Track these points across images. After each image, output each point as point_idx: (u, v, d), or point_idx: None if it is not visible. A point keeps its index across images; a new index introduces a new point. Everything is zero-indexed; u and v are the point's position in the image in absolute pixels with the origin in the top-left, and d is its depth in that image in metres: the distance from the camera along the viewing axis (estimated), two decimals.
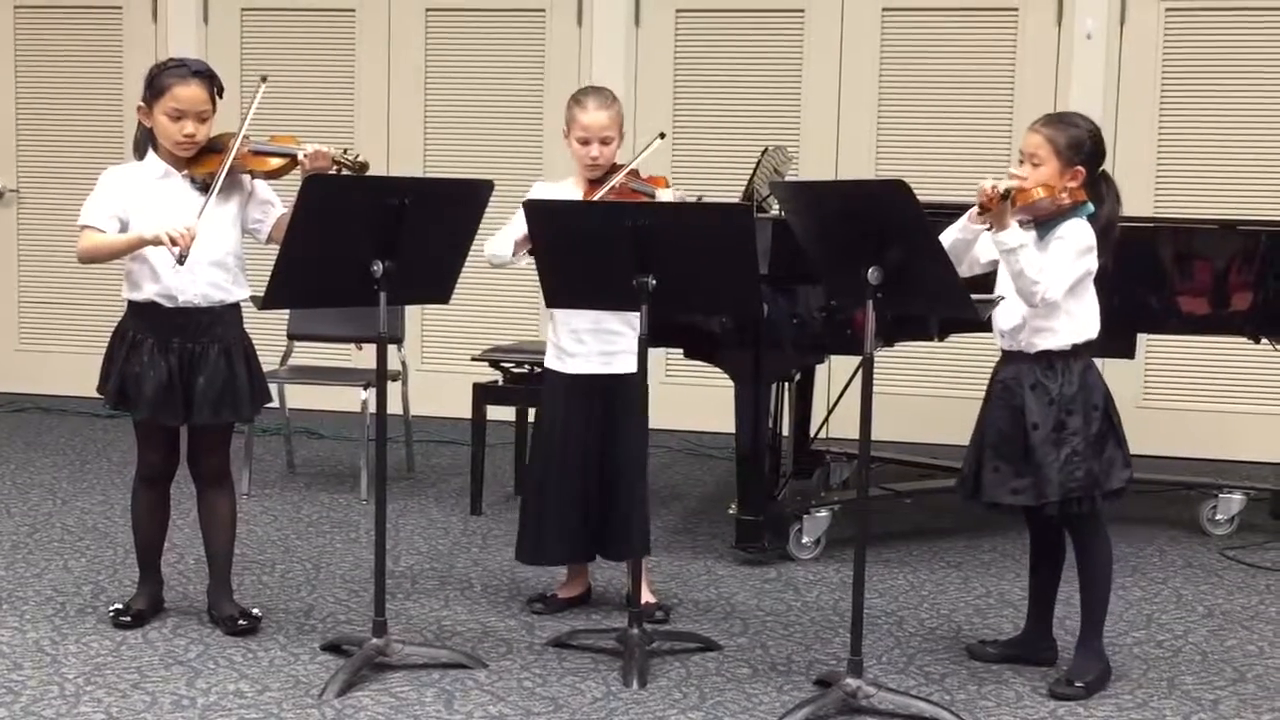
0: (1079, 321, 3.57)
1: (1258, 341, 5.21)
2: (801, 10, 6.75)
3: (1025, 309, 3.54)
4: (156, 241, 3.62)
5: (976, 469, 3.65)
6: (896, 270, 3.34)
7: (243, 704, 3.41)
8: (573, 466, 4.03)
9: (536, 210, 3.73)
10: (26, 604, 4.10)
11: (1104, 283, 3.62)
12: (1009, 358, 3.65)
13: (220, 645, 3.79)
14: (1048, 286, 3.46)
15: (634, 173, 4.01)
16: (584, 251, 3.67)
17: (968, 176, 6.01)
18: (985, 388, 3.72)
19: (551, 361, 4.11)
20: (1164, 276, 4.87)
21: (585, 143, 4.00)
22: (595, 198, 3.94)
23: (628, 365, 3.95)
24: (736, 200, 4.73)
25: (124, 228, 3.74)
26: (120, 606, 3.95)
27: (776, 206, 4.52)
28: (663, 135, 4.09)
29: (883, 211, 3.34)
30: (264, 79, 3.74)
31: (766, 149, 5.01)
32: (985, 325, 4.27)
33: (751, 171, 4.80)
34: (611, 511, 4.02)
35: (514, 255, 3.97)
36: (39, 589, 4.24)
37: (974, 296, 3.50)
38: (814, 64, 6.75)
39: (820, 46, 6.74)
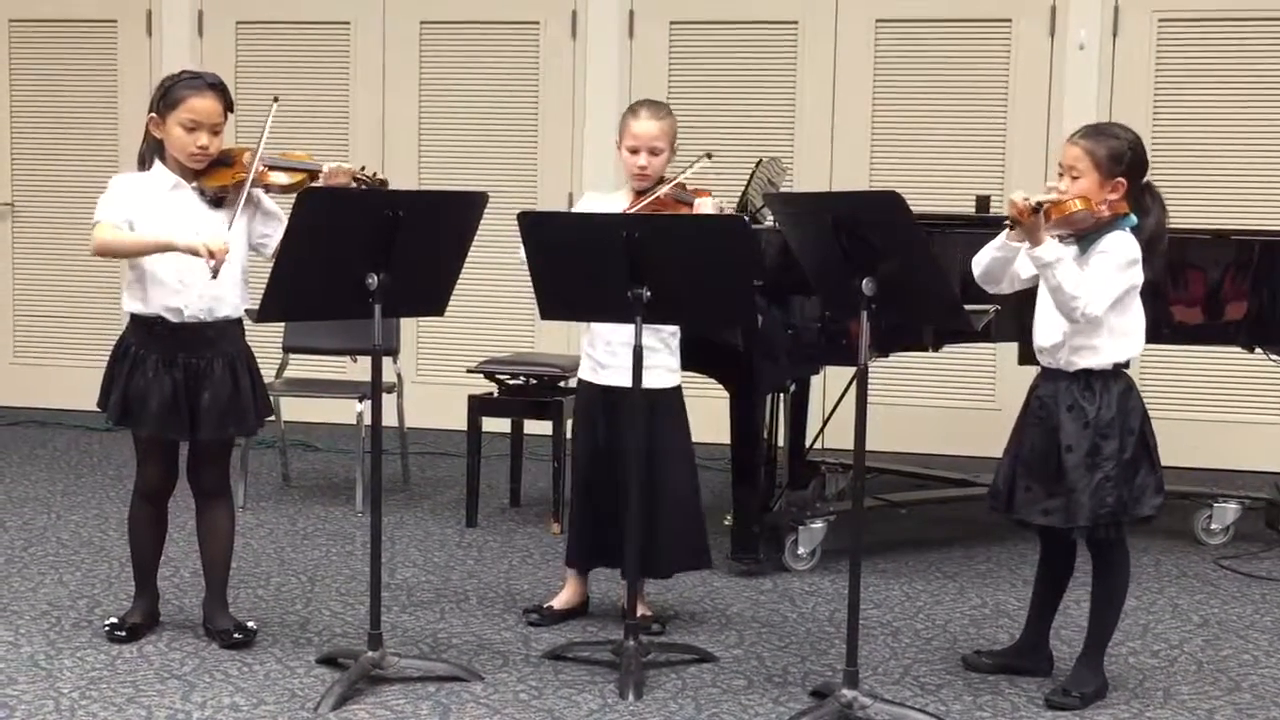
0: (1122, 339, 3.51)
1: (1252, 351, 5.23)
2: (795, 22, 6.77)
3: (1066, 326, 3.48)
4: (191, 250, 3.58)
5: (1010, 484, 3.63)
6: (890, 281, 3.34)
7: (238, 717, 3.40)
8: (606, 476, 4.02)
9: (530, 222, 3.73)
10: (21, 618, 4.09)
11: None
12: (1047, 374, 3.60)
13: (216, 659, 3.79)
14: (1088, 302, 3.40)
15: (680, 185, 4.00)
16: (578, 263, 3.67)
17: (962, 187, 6.08)
18: (1019, 400, 3.68)
19: (585, 373, 4.12)
20: (1158, 286, 4.86)
21: (635, 152, 3.99)
22: (635, 209, 3.94)
23: (660, 380, 3.98)
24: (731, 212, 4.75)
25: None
26: (115, 620, 3.95)
27: (771, 218, 4.52)
28: (709, 155, 4.04)
29: (877, 223, 3.34)
30: (276, 99, 3.74)
31: (761, 160, 5.02)
32: (980, 335, 4.29)
33: (746, 183, 4.81)
34: (655, 526, 3.95)
35: None
36: (34, 603, 4.24)
37: (967, 307, 3.50)
38: (808, 75, 6.77)
39: (814, 58, 6.76)
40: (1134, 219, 3.51)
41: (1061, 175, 3.54)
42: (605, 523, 4.04)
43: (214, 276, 3.59)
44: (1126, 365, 3.55)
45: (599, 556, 4.13)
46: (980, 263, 3.57)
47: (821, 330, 4.54)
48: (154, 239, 3.66)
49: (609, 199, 4.13)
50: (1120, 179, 3.49)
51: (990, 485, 3.75)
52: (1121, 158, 3.49)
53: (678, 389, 4.06)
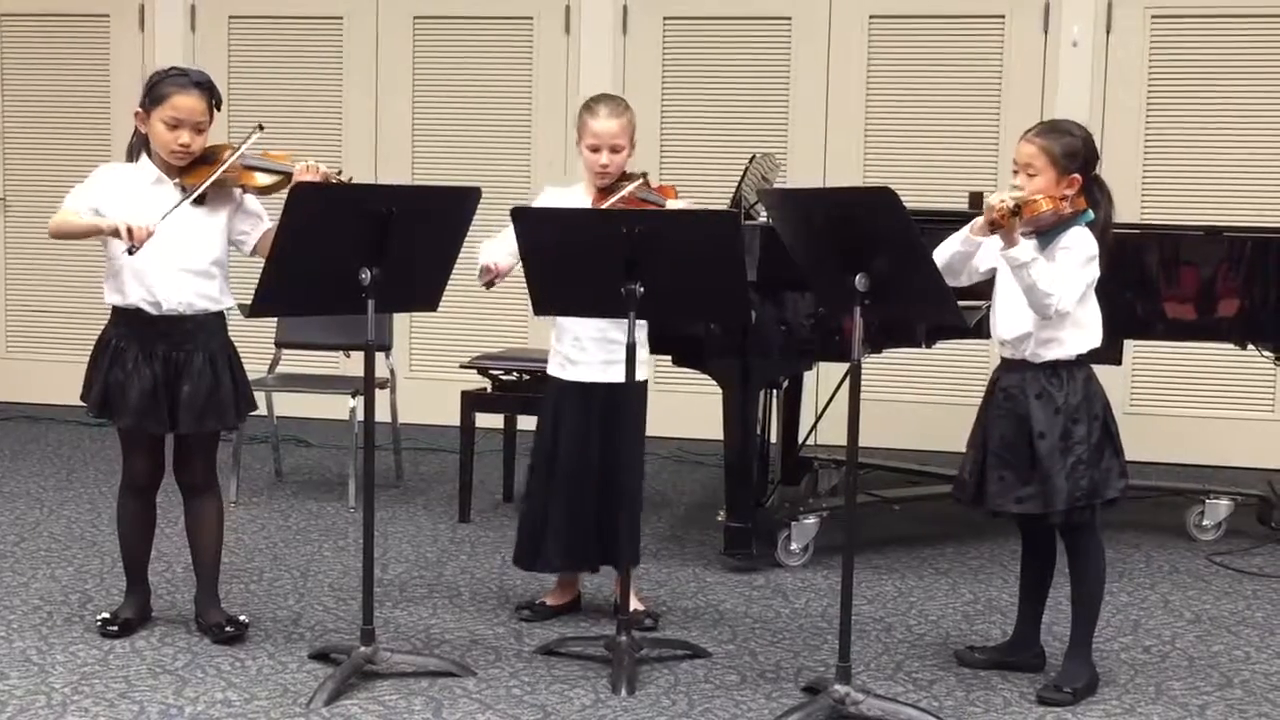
0: (1085, 330, 3.57)
1: (1244, 347, 5.23)
2: (788, 18, 6.77)
3: (1033, 320, 3.52)
4: (113, 231, 3.60)
5: (979, 476, 3.65)
6: (884, 277, 3.34)
7: (230, 713, 3.40)
8: (572, 473, 4.03)
9: (524, 217, 3.73)
10: (13, 613, 4.09)
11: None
12: (1010, 365, 3.63)
13: (208, 654, 3.78)
14: (1060, 298, 3.45)
15: (645, 184, 4.00)
16: (572, 258, 3.67)
17: (955, 184, 6.08)
18: (983, 393, 3.71)
19: (554, 369, 4.11)
20: (1151, 283, 4.89)
21: (595, 150, 3.97)
22: (604, 207, 3.93)
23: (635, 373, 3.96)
24: (724, 207, 4.75)
25: None
26: (108, 615, 3.94)
27: (764, 214, 4.52)
28: (260, 127, 3.75)
29: (870, 219, 3.34)
30: (260, 127, 3.73)
31: (754, 156, 5.01)
32: (972, 332, 4.29)
33: (739, 179, 4.81)
34: (611, 519, 3.99)
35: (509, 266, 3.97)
36: (26, 598, 4.23)
37: (960, 303, 3.50)
38: (801, 72, 6.77)
39: (807, 54, 6.76)
40: (1091, 215, 3.56)
41: (1016, 172, 3.59)
42: (563, 522, 4.04)
43: (129, 254, 3.59)
44: (1089, 357, 3.59)
45: (551, 557, 4.09)
46: (941, 256, 3.59)
47: (815, 326, 4.54)
48: (86, 221, 3.68)
49: (569, 193, 4.11)
50: (1075, 175, 3.55)
51: (955, 478, 3.76)
52: (1076, 154, 3.56)
53: (644, 383, 4.03)
